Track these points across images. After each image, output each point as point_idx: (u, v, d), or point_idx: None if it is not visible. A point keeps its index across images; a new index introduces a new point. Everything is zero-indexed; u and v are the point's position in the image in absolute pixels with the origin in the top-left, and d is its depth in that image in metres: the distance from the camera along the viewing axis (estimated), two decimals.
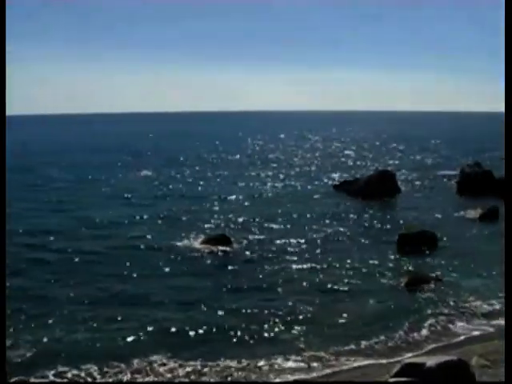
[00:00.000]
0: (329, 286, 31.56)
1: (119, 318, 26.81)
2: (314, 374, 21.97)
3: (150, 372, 21.85)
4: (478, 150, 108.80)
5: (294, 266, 35.11)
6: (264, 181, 72.78)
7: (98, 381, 21.30)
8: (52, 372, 21.64)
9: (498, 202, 50.74)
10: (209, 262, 36.44)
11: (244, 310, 27.96)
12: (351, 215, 50.36)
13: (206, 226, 45.54)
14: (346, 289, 31.14)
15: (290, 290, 30.86)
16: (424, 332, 25.80)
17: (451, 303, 28.93)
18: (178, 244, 39.85)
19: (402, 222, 47.00)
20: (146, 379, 21.43)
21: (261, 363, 22.57)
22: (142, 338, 24.69)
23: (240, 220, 47.68)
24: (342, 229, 44.81)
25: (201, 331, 25.38)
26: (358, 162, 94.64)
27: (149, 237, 41.84)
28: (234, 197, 59.72)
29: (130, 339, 24.50)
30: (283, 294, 30.38)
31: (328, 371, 22.16)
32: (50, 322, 26.27)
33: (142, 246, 39.38)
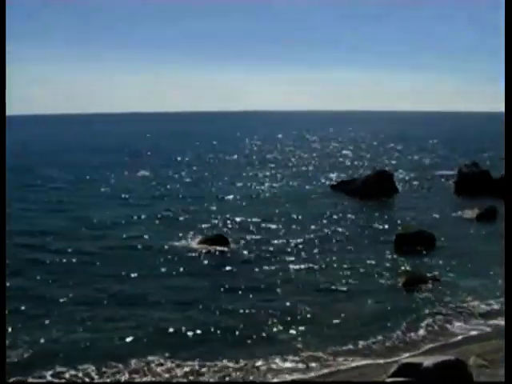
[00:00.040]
0: (326, 286, 31.57)
1: (117, 319, 26.81)
2: (312, 374, 21.99)
3: (148, 372, 21.86)
4: (476, 150, 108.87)
5: (292, 266, 35.11)
6: (262, 181, 72.78)
7: (96, 381, 21.30)
8: (50, 372, 21.62)
9: (496, 202, 50.87)
10: (206, 262, 36.43)
11: (241, 310, 27.96)
12: (349, 215, 50.38)
13: (203, 226, 45.52)
14: (343, 289, 31.15)
15: (287, 290, 30.87)
16: (421, 332, 25.82)
17: (449, 303, 28.95)
18: (176, 244, 39.85)
19: (399, 221, 47.05)
20: (144, 379, 21.44)
21: (258, 363, 22.58)
22: (139, 338, 24.68)
23: (237, 220, 47.68)
24: (339, 229, 44.83)
25: (198, 331, 25.38)
26: (356, 162, 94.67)
27: (146, 237, 41.83)
28: (231, 197, 59.72)
29: (127, 339, 24.49)
30: (281, 294, 30.39)
31: (326, 371, 22.18)
32: (48, 322, 26.27)
33: (139, 247, 39.37)
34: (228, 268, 34.90)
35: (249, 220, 47.68)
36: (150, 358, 22.75)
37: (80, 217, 48.48)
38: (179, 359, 22.72)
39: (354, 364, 22.75)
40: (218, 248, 38.62)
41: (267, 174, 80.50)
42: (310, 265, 35.43)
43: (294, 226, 45.63)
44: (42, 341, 24.23)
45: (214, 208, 53.27)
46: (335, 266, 35.22)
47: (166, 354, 23.03)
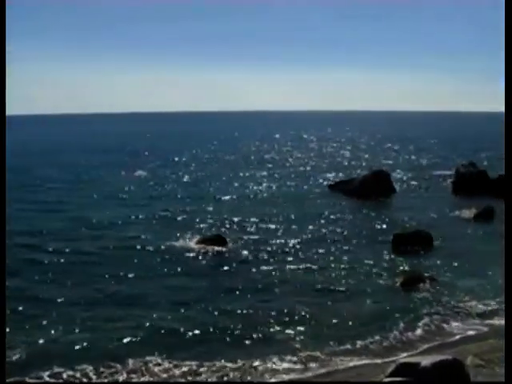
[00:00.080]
0: (324, 285, 31.58)
1: (115, 319, 26.80)
2: (310, 374, 22.00)
3: (146, 372, 21.86)
4: (473, 149, 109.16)
5: (290, 266, 35.12)
6: (259, 181, 72.78)
7: (94, 381, 21.31)
8: (47, 373, 21.60)
9: (493, 202, 50.96)
10: (204, 262, 36.45)
11: (239, 311, 27.97)
12: (346, 215, 50.42)
13: (201, 226, 45.56)
14: (341, 289, 31.16)
15: (285, 290, 30.89)
16: (419, 332, 25.84)
17: (446, 303, 28.98)
18: (174, 244, 39.85)
19: (397, 221, 47.07)
20: (142, 379, 21.44)
21: (256, 363, 22.58)
22: (137, 338, 24.67)
23: (235, 220, 47.67)
24: (337, 229, 44.85)
25: (196, 331, 25.39)
26: (353, 162, 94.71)
27: (144, 237, 41.82)
28: (229, 197, 59.74)
29: (125, 339, 24.48)
30: (279, 294, 30.41)
31: (323, 371, 22.19)
32: (46, 322, 26.25)
33: (137, 247, 39.35)
34: (226, 268, 34.91)
35: (247, 220, 47.69)
36: (147, 358, 22.75)
37: (78, 217, 48.47)
38: (177, 359, 22.73)
39: (351, 364, 22.77)
40: (216, 248, 38.63)
41: (265, 174, 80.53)
42: (308, 265, 35.44)
43: (291, 226, 45.64)
44: (40, 341, 24.23)
45: (212, 208, 53.28)
46: (333, 265, 35.24)
47: (164, 354, 23.03)
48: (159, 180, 73.08)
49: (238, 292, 30.61)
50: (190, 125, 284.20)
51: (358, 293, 30.60)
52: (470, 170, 63.36)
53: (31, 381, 21.19)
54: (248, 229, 44.91)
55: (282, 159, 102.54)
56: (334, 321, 26.78)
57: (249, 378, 21.63)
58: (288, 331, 25.60)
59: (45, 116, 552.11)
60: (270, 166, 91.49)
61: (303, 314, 27.49)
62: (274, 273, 33.95)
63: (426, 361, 15.28)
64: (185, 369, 22.13)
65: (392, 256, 37.51)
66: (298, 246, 39.65)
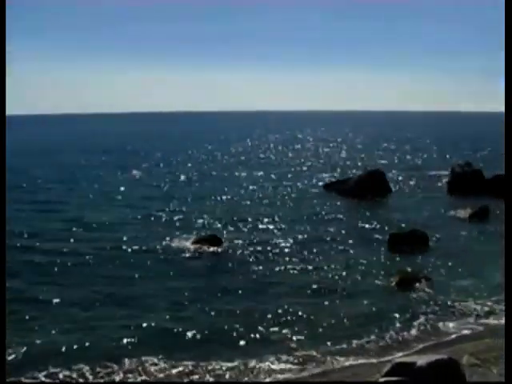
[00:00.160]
0: (320, 285, 31.60)
1: (111, 319, 26.80)
2: (306, 374, 22.04)
3: (142, 372, 21.87)
4: (470, 149, 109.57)
5: (285, 266, 35.14)
6: (255, 181, 72.75)
7: (91, 381, 21.31)
8: (44, 373, 21.60)
9: (488, 202, 51.14)
10: (200, 262, 36.45)
11: (235, 311, 27.98)
12: (342, 215, 50.45)
13: (197, 226, 45.59)
14: (336, 289, 31.19)
15: (280, 290, 30.93)
16: (415, 331, 25.90)
17: (441, 302, 29.04)
18: (170, 244, 39.85)
19: (392, 221, 47.11)
20: (138, 379, 21.45)
21: (252, 363, 22.60)
22: (134, 338, 24.66)
23: (231, 220, 47.66)
24: (332, 229, 44.88)
25: (192, 332, 25.39)
26: (349, 162, 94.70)
27: (140, 237, 41.78)
28: (224, 197, 59.74)
29: (122, 340, 24.48)
30: (274, 294, 30.42)
31: (319, 370, 22.24)
32: (42, 323, 26.24)
33: (133, 247, 39.29)
34: (221, 268, 34.93)
35: (242, 220, 47.70)
36: (144, 358, 22.77)
37: (75, 217, 48.39)
38: (173, 359, 22.74)
39: (347, 363, 22.82)
40: (212, 248, 38.65)
41: (261, 174, 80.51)
42: (304, 265, 35.48)
43: (287, 226, 45.66)
44: (36, 341, 24.20)
45: (208, 208, 53.26)
46: (328, 265, 35.27)
47: (161, 355, 23.05)
48: (155, 180, 73.00)
49: (233, 292, 30.62)
50: (189, 125, 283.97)
51: (353, 293, 30.64)
52: (465, 169, 63.47)
53: (31, 381, 21.19)
54: (243, 229, 44.92)
55: (278, 159, 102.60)
56: (330, 321, 26.81)
57: (245, 378, 21.66)
58: (284, 331, 25.63)
59: (45, 116, 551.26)
60: (266, 166, 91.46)
61: (299, 313, 27.51)
62: (269, 273, 33.97)
63: (421, 360, 15.31)
64: (181, 369, 22.16)
65: (387, 256, 37.57)
66: (293, 246, 39.68)
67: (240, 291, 30.72)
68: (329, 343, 24.34)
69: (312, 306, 28.49)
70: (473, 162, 68.89)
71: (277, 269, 34.70)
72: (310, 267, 35.01)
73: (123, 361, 22.53)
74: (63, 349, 23.57)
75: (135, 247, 39.28)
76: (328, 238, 41.98)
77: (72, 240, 41.05)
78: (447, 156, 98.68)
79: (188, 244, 39.74)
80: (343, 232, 43.87)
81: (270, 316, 27.22)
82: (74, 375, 21.58)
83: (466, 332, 25.82)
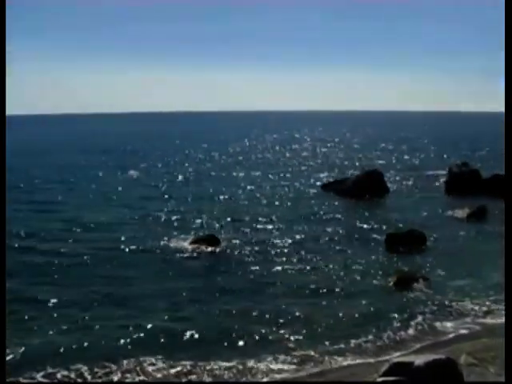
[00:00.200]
0: (317, 286, 31.61)
1: (109, 319, 26.79)
2: (303, 374, 22.05)
3: (141, 372, 21.88)
4: (469, 149, 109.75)
5: (283, 266, 35.15)
6: (253, 181, 72.76)
7: (89, 381, 21.32)
8: (41, 373, 21.59)
9: (486, 202, 51.21)
10: (198, 262, 36.46)
11: (233, 311, 28.00)
12: (340, 215, 50.47)
13: (194, 226, 45.61)
14: (334, 288, 31.21)
15: (278, 290, 30.95)
16: (412, 331, 25.93)
17: (439, 302, 29.06)
18: (167, 244, 39.86)
19: (390, 221, 47.14)
20: (137, 379, 21.46)
21: (250, 363, 22.61)
22: (132, 338, 24.67)
23: (229, 220, 47.70)
24: (330, 229, 44.90)
25: (190, 332, 25.39)
26: (347, 162, 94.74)
27: (138, 238, 41.77)
28: (222, 197, 59.74)
29: (120, 340, 24.48)
30: (272, 294, 30.44)
31: (317, 370, 22.25)
32: (40, 323, 26.23)
33: (130, 247, 39.29)
34: (219, 268, 34.93)
35: (240, 220, 47.73)
36: (142, 358, 22.77)
37: (72, 218, 48.37)
38: (171, 359, 22.75)
39: (345, 363, 22.84)
40: (210, 248, 38.66)
41: (258, 174, 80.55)
42: (301, 265, 35.50)
43: (284, 226, 45.67)
44: (34, 342, 24.20)
45: (206, 208, 53.24)
46: (326, 265, 35.30)
47: (159, 355, 23.05)
48: (153, 180, 73.02)
49: (231, 292, 30.64)
50: (189, 125, 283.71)
51: (351, 292, 30.66)
52: (462, 169, 63.55)
53: (31, 381, 21.20)
54: (241, 229, 44.92)
55: (275, 159, 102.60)
56: (328, 320, 26.83)
57: (243, 378, 21.68)
58: (282, 331, 25.64)
59: (45, 116, 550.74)
60: (263, 165, 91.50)
61: (297, 313, 27.53)
62: (267, 273, 33.99)
63: (419, 360, 15.33)
64: (179, 369, 22.17)
65: (385, 256, 37.61)
66: (291, 246, 39.69)
67: (238, 291, 30.73)
68: (326, 343, 24.36)
69: (310, 306, 28.51)
70: (471, 161, 69.10)
71: (274, 269, 34.71)
72: (308, 267, 35.03)
73: (121, 361, 22.53)
74: (61, 349, 23.56)
75: (133, 247, 39.28)
76: (326, 238, 42.01)
77: (70, 240, 41.02)
78: (445, 156, 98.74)
79: (186, 244, 39.74)
80: (341, 232, 43.90)
81: (267, 316, 27.24)
82: (73, 375, 21.57)
83: (463, 331, 25.86)
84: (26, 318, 26.78)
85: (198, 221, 47.47)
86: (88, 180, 72.46)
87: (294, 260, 36.51)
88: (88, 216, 48.96)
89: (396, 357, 21.15)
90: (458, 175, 62.51)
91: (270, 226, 45.78)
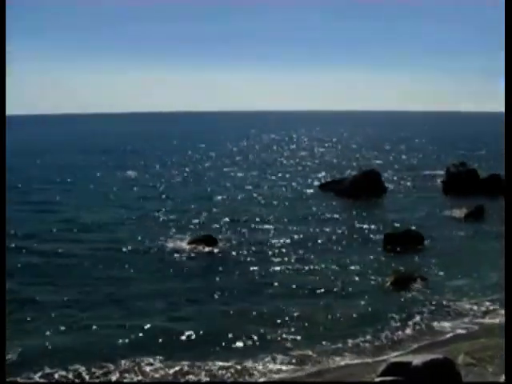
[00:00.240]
0: (315, 286, 31.60)
1: (106, 320, 26.79)
2: (301, 374, 22.03)
3: (139, 372, 21.86)
4: (467, 149, 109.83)
5: (280, 267, 35.15)
6: (251, 181, 72.77)
7: (87, 381, 21.30)
8: (39, 373, 21.56)
9: (483, 201, 51.28)
10: (195, 262, 36.44)
11: (230, 311, 28.00)
12: (337, 215, 50.48)
13: (192, 226, 45.57)
14: (332, 288, 31.21)
15: (276, 291, 30.95)
16: (410, 331, 25.93)
17: (437, 302, 29.07)
18: (165, 245, 39.83)
19: (387, 221, 47.17)
20: (135, 379, 21.44)
21: (248, 363, 22.60)
22: (129, 338, 24.65)
23: (226, 220, 47.68)
24: (327, 229, 44.90)
25: (188, 332, 25.37)
26: (344, 162, 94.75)
27: (135, 238, 41.75)
28: (220, 197, 59.72)
29: (117, 340, 24.46)
30: (269, 294, 30.44)
31: (315, 370, 22.24)
32: (38, 323, 26.22)
33: (128, 248, 39.26)
34: (217, 268, 34.90)
35: (237, 220, 47.72)
36: (140, 358, 22.74)
37: (70, 218, 48.35)
38: (169, 359, 22.73)
39: (343, 363, 22.83)
40: (207, 248, 38.65)
41: (256, 173, 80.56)
42: (299, 265, 35.49)
43: (282, 226, 45.68)
44: (31, 342, 24.16)
45: (203, 208, 53.21)
46: (324, 265, 35.30)
47: (157, 355, 23.02)
48: (151, 180, 73.05)
49: (229, 292, 30.61)
50: (189, 125, 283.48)
51: (348, 292, 30.68)
52: (460, 169, 63.60)
53: (30, 381, 21.18)
54: (239, 229, 44.90)
55: (273, 159, 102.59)
56: (325, 321, 26.85)
57: (241, 379, 21.67)
58: (279, 331, 25.63)
59: (45, 116, 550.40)
60: (261, 166, 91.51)
61: (294, 314, 27.52)
62: (264, 273, 33.99)
63: (417, 360, 15.32)
64: (177, 369, 22.14)
65: (383, 256, 37.63)
66: (288, 246, 39.68)
67: (235, 291, 30.71)
68: (324, 343, 24.36)
69: (307, 306, 28.50)
70: (469, 161, 69.11)
71: (272, 269, 34.71)
72: (306, 267, 35.03)
73: (119, 361, 22.51)
74: (59, 349, 23.53)
75: (131, 247, 39.25)
76: (323, 238, 42.01)
77: (67, 240, 41.00)
78: (443, 156, 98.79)
79: (183, 244, 39.73)
80: (338, 232, 43.91)
81: (265, 316, 27.24)
82: (70, 375, 21.55)
83: (461, 331, 25.85)
84: (24, 318, 26.74)
85: (196, 221, 47.46)
86: (87, 180, 72.46)
87: (292, 260, 36.51)
88: (86, 216, 48.95)
89: (394, 357, 21.13)
90: (456, 175, 62.57)
91: (268, 226, 45.77)
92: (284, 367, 22.45)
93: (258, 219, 48.11)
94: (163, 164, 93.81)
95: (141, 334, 25.14)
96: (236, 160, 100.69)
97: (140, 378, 21.58)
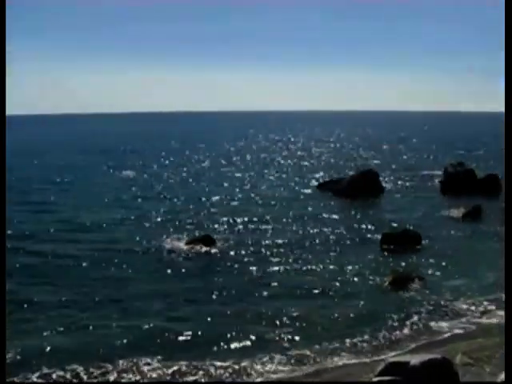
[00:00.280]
0: (313, 286, 31.61)
1: (104, 320, 26.78)
2: (299, 373, 22.05)
3: (137, 372, 21.87)
4: (465, 149, 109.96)
5: (278, 267, 35.15)
6: (249, 181, 72.79)
7: (85, 381, 21.30)
8: (36, 374, 21.56)
9: (481, 201, 51.30)
10: (193, 262, 36.43)
11: (228, 311, 28.00)
12: (335, 215, 50.49)
13: (190, 226, 45.55)
14: (329, 288, 31.21)
15: (274, 290, 30.95)
16: (408, 331, 25.95)
17: (434, 302, 29.10)
18: (163, 245, 39.82)
19: (385, 221, 47.20)
20: (133, 379, 21.45)
21: (246, 363, 22.62)
22: (127, 338, 24.65)
23: (224, 220, 47.66)
24: (325, 229, 44.91)
25: (186, 332, 25.38)
26: (342, 162, 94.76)
27: (133, 238, 41.74)
28: (217, 197, 59.67)
29: (115, 340, 24.46)
30: (267, 294, 30.44)
31: (312, 370, 22.26)
32: (35, 324, 26.20)
33: (126, 248, 39.23)
34: (214, 268, 34.91)
35: (235, 220, 47.72)
36: (138, 358, 22.75)
37: (67, 218, 48.34)
38: (167, 359, 22.74)
39: (340, 363, 22.85)
40: (205, 248, 38.65)
41: (254, 174, 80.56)
42: (297, 265, 35.50)
43: (280, 226, 45.70)
44: (29, 343, 24.13)
45: (201, 208, 53.24)
46: (322, 265, 35.32)
47: (154, 355, 23.03)
48: (149, 180, 73.07)
49: (226, 292, 30.61)
50: (189, 125, 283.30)
51: (346, 292, 30.69)
52: (457, 169, 63.66)
53: (29, 381, 21.17)
54: (237, 229, 44.95)
55: (271, 159, 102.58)
56: (323, 320, 26.86)
57: (238, 378, 21.68)
58: (277, 331, 25.64)
59: (45, 116, 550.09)
60: (259, 165, 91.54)
61: (292, 314, 27.53)
62: (262, 273, 33.99)
63: (414, 360, 15.33)
64: (175, 369, 22.15)
65: (380, 255, 37.65)
66: (286, 246, 39.68)
67: (233, 291, 30.71)
68: (322, 343, 24.36)
69: (305, 306, 28.51)
70: (467, 161, 69.13)
71: (270, 269, 34.72)
72: (303, 267, 35.04)
73: (117, 361, 22.51)
74: (57, 349, 23.53)
75: (129, 248, 39.24)
76: (321, 238, 42.02)
77: (65, 241, 40.98)
78: (441, 156, 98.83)
79: (181, 244, 39.72)
80: (336, 232, 43.92)
81: (263, 316, 27.25)
82: (68, 375, 21.55)
83: (458, 331, 25.88)
84: (22, 318, 26.69)
85: (194, 221, 47.44)
86: (86, 180, 72.49)
87: (290, 260, 36.52)
88: (84, 216, 48.91)
89: (392, 356, 21.16)
90: (454, 175, 62.63)
91: (266, 226, 45.77)
92: (282, 367, 22.46)
93: (255, 219, 48.12)
94: (161, 164, 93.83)
95: (139, 334, 25.15)
96: (234, 160, 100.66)
97: (138, 377, 21.59)
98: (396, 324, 26.52)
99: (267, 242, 40.82)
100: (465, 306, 28.61)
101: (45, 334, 25.12)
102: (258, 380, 21.62)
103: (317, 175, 77.00)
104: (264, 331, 25.65)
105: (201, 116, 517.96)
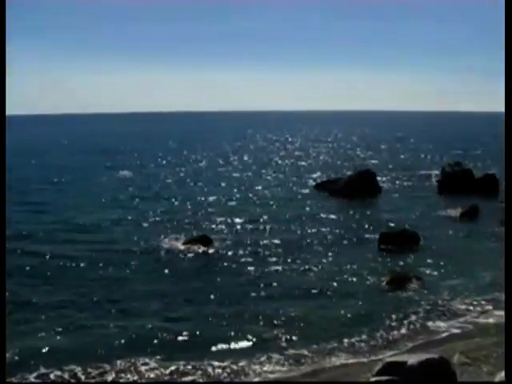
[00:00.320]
0: (310, 286, 31.61)
1: (102, 320, 26.77)
2: (296, 373, 22.06)
3: (134, 372, 21.86)
4: (463, 149, 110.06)
5: (276, 267, 35.16)
6: (246, 181, 72.79)
7: (83, 381, 21.29)
8: (34, 374, 21.54)
9: (478, 201, 51.36)
10: (190, 263, 36.42)
11: (226, 311, 27.99)
12: (332, 215, 50.50)
13: (187, 226, 45.53)
14: (327, 288, 31.22)
15: (271, 291, 30.94)
16: (405, 330, 25.97)
17: (432, 302, 29.12)
18: (160, 245, 39.80)
19: (383, 221, 47.22)
20: (131, 379, 21.44)
21: (243, 363, 22.62)
22: (125, 339, 24.64)
23: (221, 220, 47.66)
24: (323, 229, 44.94)
25: (183, 332, 25.38)
26: (339, 162, 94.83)
27: (130, 238, 41.72)
28: (215, 197, 59.65)
29: (113, 340, 24.45)
30: (265, 294, 30.44)
31: (310, 370, 22.28)
32: (33, 324, 26.16)
33: (123, 248, 39.21)
34: (212, 268, 34.92)
35: (232, 220, 47.71)
36: (136, 358, 22.73)
37: (65, 219, 48.28)
38: (165, 359, 22.74)
39: (338, 363, 22.87)
40: (203, 248, 38.64)
41: (251, 174, 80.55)
42: (294, 265, 35.50)
43: (277, 226, 45.70)
44: (27, 343, 24.09)
45: (198, 208, 53.23)
46: (319, 265, 35.33)
47: (152, 355, 23.03)
48: (146, 180, 73.02)
49: (224, 292, 30.58)
50: (189, 125, 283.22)
51: (344, 292, 30.68)
52: (455, 169, 63.72)
53: (27, 381, 21.16)
54: (234, 229, 44.95)
55: (268, 159, 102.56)
56: (321, 320, 26.88)
57: (236, 378, 21.68)
58: (275, 331, 25.64)
59: (45, 116, 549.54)
60: (257, 165, 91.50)
61: (290, 314, 27.53)
62: (260, 273, 33.99)
63: (412, 359, 15.34)
64: (173, 369, 22.15)
65: (378, 255, 37.67)
66: (283, 246, 39.67)
67: (231, 291, 30.69)
68: (320, 343, 24.37)
69: (302, 306, 28.51)
70: (464, 161, 69.24)
71: (267, 269, 34.72)
72: (301, 267, 35.04)
73: (115, 361, 22.51)
74: (54, 349, 23.51)
75: (126, 248, 39.21)
76: (318, 238, 42.02)
77: (63, 241, 40.94)
78: (438, 156, 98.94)
79: (179, 244, 39.71)
80: (334, 232, 43.95)
81: (260, 316, 27.23)
82: (66, 376, 21.54)
83: (456, 331, 25.91)
84: (20, 319, 26.64)
85: (191, 221, 47.44)
86: (84, 180, 72.44)
87: (287, 260, 36.51)
88: (82, 217, 48.86)
89: (389, 356, 21.16)
90: (451, 175, 62.68)
91: (263, 226, 45.78)
92: (280, 367, 22.47)
93: (253, 219, 48.13)
94: (159, 164, 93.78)
95: (136, 335, 25.13)
96: (232, 160, 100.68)
97: (136, 378, 21.58)
98: (394, 324, 26.54)
99: (264, 241, 40.82)
100: (462, 306, 28.64)
101: (42, 334, 25.12)
102: (256, 380, 21.63)
103: (314, 175, 77.02)
104: (262, 331, 25.66)
105: (201, 116, 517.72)
